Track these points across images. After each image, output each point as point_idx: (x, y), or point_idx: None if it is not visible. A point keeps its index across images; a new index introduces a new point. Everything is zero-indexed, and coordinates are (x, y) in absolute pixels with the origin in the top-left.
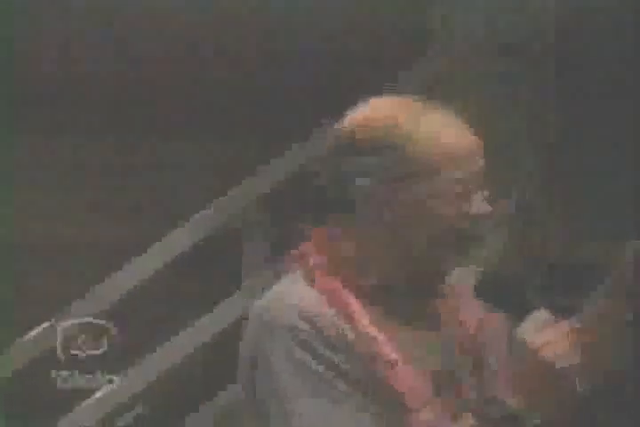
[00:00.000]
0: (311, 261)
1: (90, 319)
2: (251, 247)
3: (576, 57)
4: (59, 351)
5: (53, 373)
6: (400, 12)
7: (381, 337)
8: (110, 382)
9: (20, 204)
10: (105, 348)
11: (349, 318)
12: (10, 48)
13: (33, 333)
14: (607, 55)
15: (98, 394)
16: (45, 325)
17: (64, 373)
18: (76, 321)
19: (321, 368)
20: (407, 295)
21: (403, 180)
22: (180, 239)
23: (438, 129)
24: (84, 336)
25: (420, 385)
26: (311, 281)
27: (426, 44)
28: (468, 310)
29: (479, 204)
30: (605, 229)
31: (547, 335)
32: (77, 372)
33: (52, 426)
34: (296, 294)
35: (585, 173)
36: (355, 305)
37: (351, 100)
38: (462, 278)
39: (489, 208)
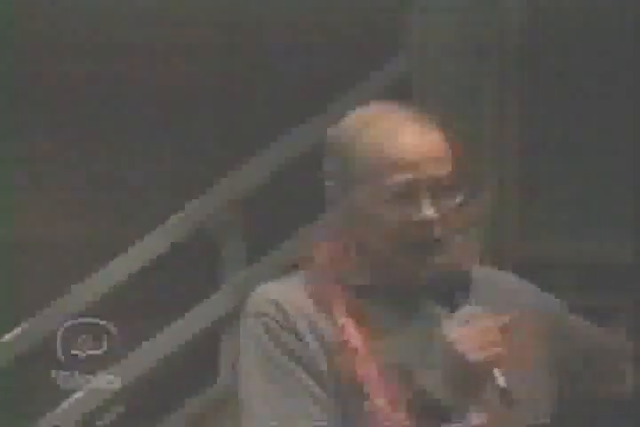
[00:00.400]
0: (317, 260)
1: (90, 319)
2: (228, 248)
3: (548, 57)
4: (59, 351)
5: (53, 373)
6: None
7: (351, 326)
8: (110, 382)
9: (20, 204)
10: (105, 348)
11: (326, 306)
12: (10, 48)
13: (10, 334)
14: (579, 56)
15: (77, 395)
16: (23, 325)
17: (64, 373)
18: (76, 321)
19: (284, 359)
20: (394, 295)
21: (352, 182)
22: (155, 241)
23: (389, 135)
24: (84, 336)
25: (380, 377)
26: (300, 280)
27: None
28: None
29: (425, 209)
30: (605, 229)
31: (464, 329)
32: (77, 372)
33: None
34: (275, 286)
35: (585, 174)
36: (335, 296)
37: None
38: (485, 282)
39: (433, 215)
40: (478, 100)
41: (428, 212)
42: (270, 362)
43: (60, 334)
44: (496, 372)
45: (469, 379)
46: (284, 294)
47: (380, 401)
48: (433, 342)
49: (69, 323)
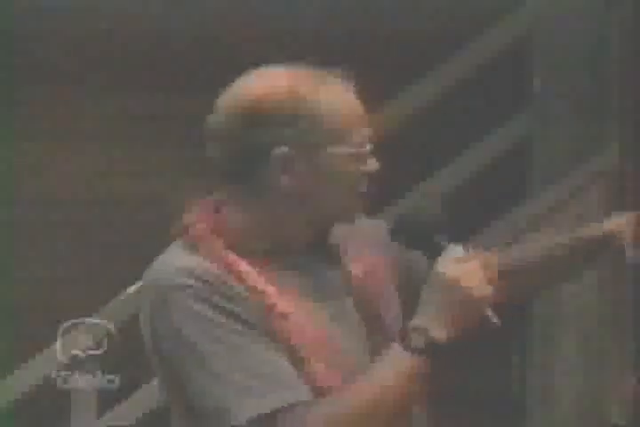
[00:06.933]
0: (194, 231)
1: (90, 319)
2: None
3: None
4: (58, 351)
5: (53, 373)
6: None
7: (271, 290)
8: (110, 382)
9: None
10: (105, 348)
11: (237, 274)
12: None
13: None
14: None
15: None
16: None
17: (64, 373)
18: (76, 321)
19: (222, 318)
20: (298, 255)
21: (320, 145)
22: None
23: (340, 95)
24: (84, 336)
25: (313, 337)
26: (193, 247)
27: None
28: (355, 264)
29: (372, 161)
30: None
31: (466, 267)
32: (77, 372)
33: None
34: (180, 258)
35: None
36: (240, 263)
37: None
38: (346, 235)
39: (377, 165)
40: (604, 58)
41: (376, 164)
42: (213, 326)
43: (60, 334)
44: (489, 309)
45: (467, 314)
46: (190, 261)
47: (319, 364)
48: (342, 299)
49: (69, 323)
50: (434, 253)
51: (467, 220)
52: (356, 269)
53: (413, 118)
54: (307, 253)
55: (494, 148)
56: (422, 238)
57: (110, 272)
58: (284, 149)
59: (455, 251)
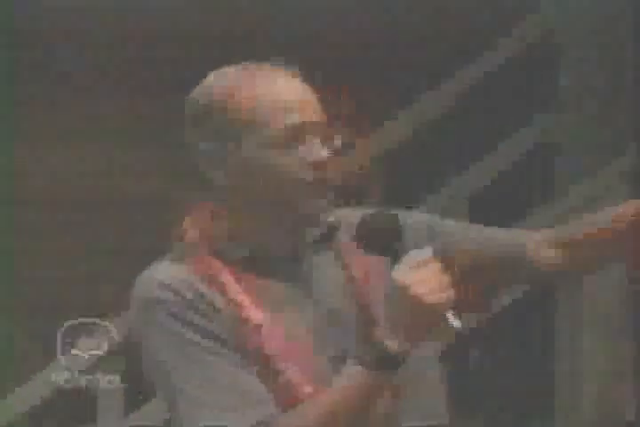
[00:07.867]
0: (186, 237)
1: (90, 319)
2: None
3: None
4: (58, 351)
5: (53, 374)
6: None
7: (248, 302)
8: (110, 382)
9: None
10: (105, 348)
11: (217, 284)
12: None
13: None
14: None
15: None
16: None
17: (64, 373)
18: (75, 321)
19: (193, 334)
20: (283, 258)
21: (234, 137)
22: None
23: (261, 86)
24: (84, 336)
25: (288, 348)
26: (181, 256)
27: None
28: (356, 266)
29: (315, 151)
30: None
31: (420, 273)
32: (77, 372)
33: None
34: (163, 270)
35: None
36: (222, 273)
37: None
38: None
39: (324, 155)
40: (632, 57)
41: (322, 152)
42: (185, 344)
43: (60, 334)
44: (449, 314)
45: (423, 323)
46: (167, 272)
47: (293, 375)
48: (334, 301)
49: (69, 323)
50: (393, 258)
51: (493, 219)
52: (357, 269)
53: (441, 118)
54: (300, 253)
55: (521, 147)
56: (380, 244)
57: (110, 272)
58: (209, 144)
59: (415, 254)
